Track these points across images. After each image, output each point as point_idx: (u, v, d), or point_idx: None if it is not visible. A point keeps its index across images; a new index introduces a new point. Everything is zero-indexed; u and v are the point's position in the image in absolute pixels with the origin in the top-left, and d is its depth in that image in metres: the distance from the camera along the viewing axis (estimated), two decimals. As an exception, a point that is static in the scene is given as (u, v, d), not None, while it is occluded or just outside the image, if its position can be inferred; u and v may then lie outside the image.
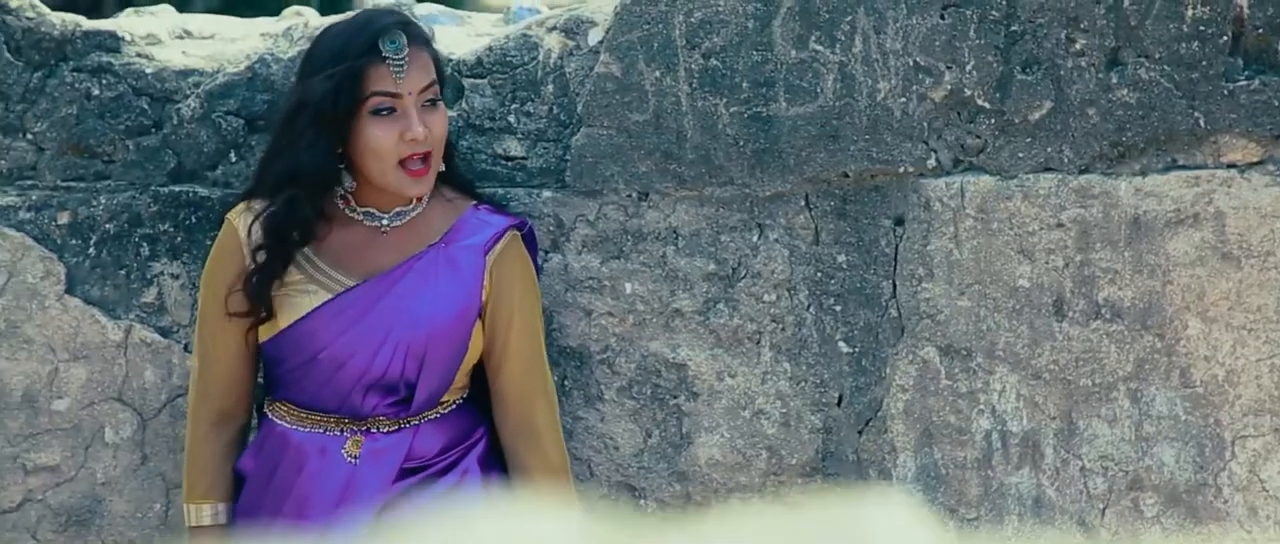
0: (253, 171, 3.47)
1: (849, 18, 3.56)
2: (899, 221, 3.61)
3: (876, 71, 3.57)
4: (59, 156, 3.60)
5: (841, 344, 3.63)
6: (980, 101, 3.57)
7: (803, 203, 3.61)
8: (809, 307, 3.62)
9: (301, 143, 3.28)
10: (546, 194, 3.61)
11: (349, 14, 3.46)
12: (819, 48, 3.56)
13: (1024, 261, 3.59)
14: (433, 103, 3.33)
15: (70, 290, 3.61)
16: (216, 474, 3.42)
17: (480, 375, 3.48)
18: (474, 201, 3.46)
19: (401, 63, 3.27)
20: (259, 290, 3.33)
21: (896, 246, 3.61)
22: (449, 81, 3.55)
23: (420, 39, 3.34)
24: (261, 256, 3.33)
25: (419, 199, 3.41)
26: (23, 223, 3.60)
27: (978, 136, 3.59)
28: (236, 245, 3.36)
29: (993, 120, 3.57)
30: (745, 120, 3.58)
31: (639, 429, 3.65)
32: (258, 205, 3.36)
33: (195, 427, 3.43)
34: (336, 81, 3.25)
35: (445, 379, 3.42)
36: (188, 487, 3.44)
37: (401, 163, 3.30)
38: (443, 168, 3.40)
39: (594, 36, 3.60)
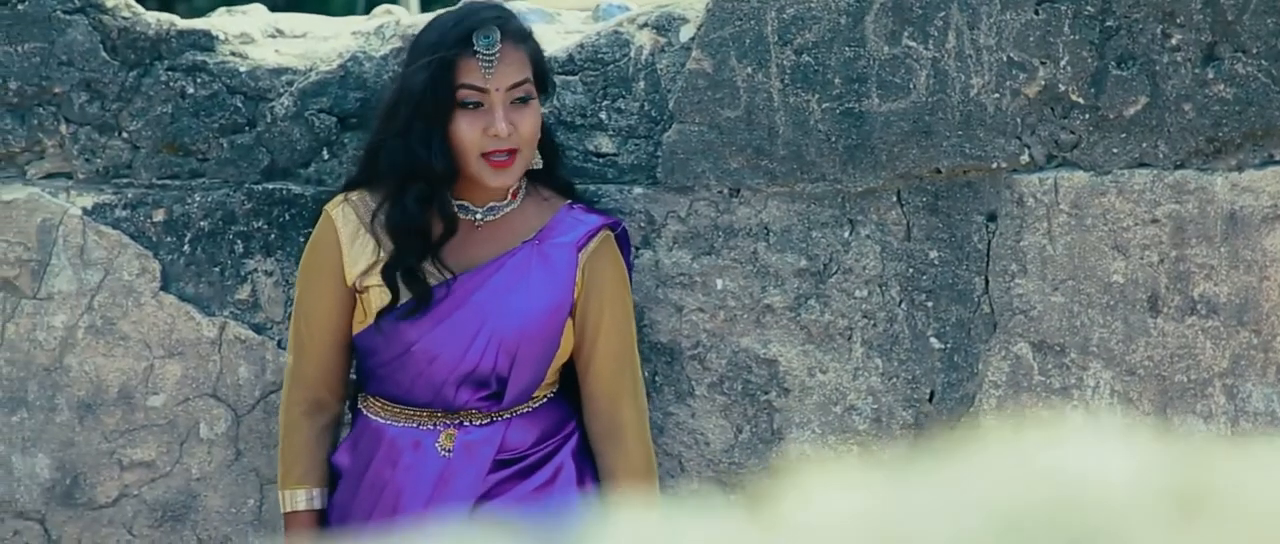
0: (356, 159, 3.48)
1: (942, 13, 3.54)
2: (992, 217, 3.59)
3: (970, 67, 3.55)
4: (154, 155, 3.63)
5: (933, 340, 3.61)
6: (1075, 97, 3.54)
7: (895, 199, 3.59)
8: (901, 302, 3.61)
9: (411, 135, 3.31)
10: (637, 190, 3.61)
11: (455, 6, 3.47)
12: (912, 43, 3.55)
13: (1118, 257, 3.56)
14: (524, 100, 3.32)
15: (165, 287, 3.64)
16: (311, 460, 3.43)
17: (570, 371, 3.49)
18: (568, 201, 3.47)
19: (491, 58, 3.28)
20: (409, 280, 3.34)
21: (989, 242, 3.59)
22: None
23: (517, 35, 3.34)
24: (393, 249, 3.33)
25: (514, 195, 3.42)
26: (119, 220, 3.63)
27: (1072, 132, 3.56)
28: (333, 238, 3.39)
29: (1087, 116, 3.55)
30: (837, 116, 3.57)
31: (730, 425, 3.64)
32: (355, 197, 3.38)
33: (288, 414, 3.45)
34: (431, 72, 3.28)
35: (536, 375, 3.43)
36: (283, 474, 3.45)
37: (484, 155, 3.31)
38: (540, 166, 3.41)
39: (686, 33, 3.59)
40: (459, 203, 3.40)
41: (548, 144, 3.44)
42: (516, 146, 3.30)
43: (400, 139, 3.31)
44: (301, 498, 3.43)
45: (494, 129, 3.27)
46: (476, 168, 3.31)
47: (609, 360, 3.42)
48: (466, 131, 3.29)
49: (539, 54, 3.39)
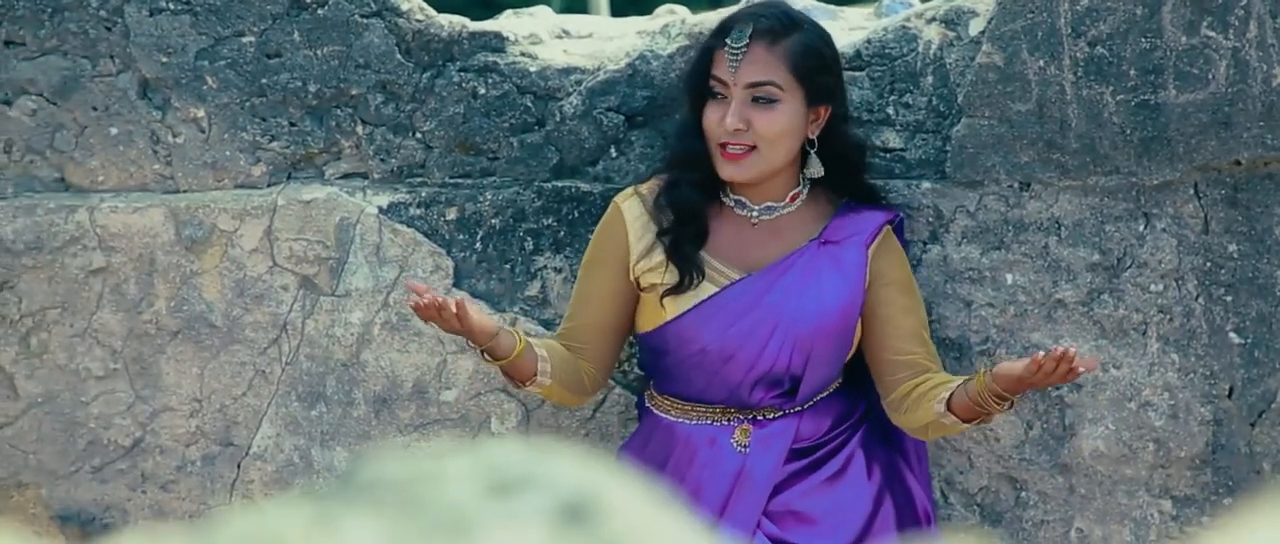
0: (644, 156, 3.60)
1: (1243, 2, 3.44)
2: (1294, 209, 3.49)
3: (1272, 56, 3.45)
4: (447, 154, 3.69)
5: (1232, 335, 3.52)
6: (1383, 85, 3.42)
7: (1191, 191, 3.51)
8: (1198, 297, 3.52)
9: (683, 120, 3.41)
10: (925, 185, 3.58)
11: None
12: (1210, 33, 3.46)
13: None
14: (767, 101, 3.33)
15: (457, 284, 3.70)
16: (557, 361, 3.40)
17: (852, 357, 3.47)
18: (843, 198, 3.46)
19: (737, 53, 3.33)
20: (683, 262, 3.37)
21: (1291, 235, 3.49)
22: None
23: (772, 37, 3.34)
24: (668, 234, 3.38)
25: (792, 199, 3.44)
26: (413, 219, 3.70)
27: (1380, 121, 3.45)
28: (620, 229, 3.43)
29: (1396, 104, 3.43)
30: (1132, 109, 3.50)
31: (1020, 421, 3.60)
32: (645, 189, 3.44)
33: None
34: (695, 61, 3.41)
35: (831, 372, 3.44)
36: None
37: (721, 146, 3.34)
38: (818, 173, 3.40)
39: (975, 27, 3.55)
40: (736, 198, 3.43)
41: (843, 151, 3.42)
42: (752, 143, 3.33)
43: (677, 124, 3.42)
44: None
45: (726, 121, 3.30)
46: (715, 156, 3.36)
47: (908, 341, 3.39)
48: (708, 119, 3.37)
49: (806, 59, 3.35)
